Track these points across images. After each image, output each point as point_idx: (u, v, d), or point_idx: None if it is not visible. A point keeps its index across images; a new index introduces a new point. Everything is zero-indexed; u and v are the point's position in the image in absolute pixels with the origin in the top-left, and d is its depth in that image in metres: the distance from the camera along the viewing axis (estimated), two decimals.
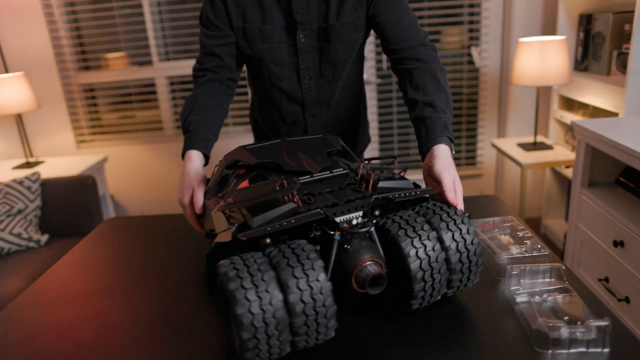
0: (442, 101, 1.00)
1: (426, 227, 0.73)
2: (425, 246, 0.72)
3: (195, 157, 1.03)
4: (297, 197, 0.75)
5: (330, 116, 1.28)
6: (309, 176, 0.83)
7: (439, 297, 0.77)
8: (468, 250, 0.74)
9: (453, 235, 0.73)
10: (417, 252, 0.71)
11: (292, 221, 0.70)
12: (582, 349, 0.68)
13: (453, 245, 0.73)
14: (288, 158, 0.87)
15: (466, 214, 0.77)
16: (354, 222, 0.74)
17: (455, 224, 0.74)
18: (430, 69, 1.06)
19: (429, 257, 0.72)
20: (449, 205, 0.79)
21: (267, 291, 0.63)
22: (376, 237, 0.75)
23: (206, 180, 0.98)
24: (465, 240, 0.74)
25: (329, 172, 0.84)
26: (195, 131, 1.06)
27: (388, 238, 0.74)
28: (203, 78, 1.17)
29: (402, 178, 0.83)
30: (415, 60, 1.09)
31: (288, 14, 1.12)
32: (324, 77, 1.21)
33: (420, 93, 1.02)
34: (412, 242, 0.72)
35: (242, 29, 1.15)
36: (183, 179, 0.98)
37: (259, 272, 0.64)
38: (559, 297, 0.78)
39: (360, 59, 1.28)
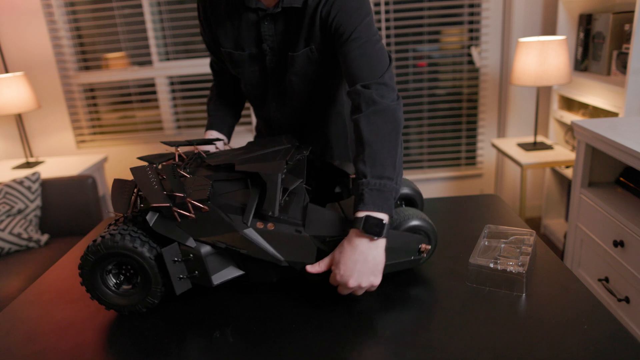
0: (371, 162, 0.85)
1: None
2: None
3: (214, 135, 1.23)
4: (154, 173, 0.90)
5: (302, 140, 1.27)
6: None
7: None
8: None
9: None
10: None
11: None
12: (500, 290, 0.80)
13: None
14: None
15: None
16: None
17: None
18: (370, 124, 0.89)
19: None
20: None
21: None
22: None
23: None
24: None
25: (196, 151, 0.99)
26: (214, 115, 1.27)
27: None
28: (217, 79, 1.32)
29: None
30: (364, 103, 0.92)
31: (258, 41, 1.11)
32: (285, 104, 1.20)
33: (357, 143, 0.89)
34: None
35: (218, 52, 1.18)
36: None
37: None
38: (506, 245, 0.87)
39: (332, 97, 1.21)
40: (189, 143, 1.02)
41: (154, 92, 2.95)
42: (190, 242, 0.81)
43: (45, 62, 2.82)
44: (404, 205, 1.04)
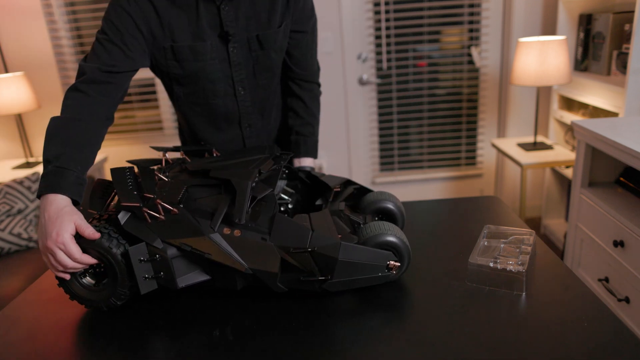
0: (317, 125, 1.35)
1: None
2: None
3: (63, 202, 0.84)
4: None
5: (264, 124, 1.29)
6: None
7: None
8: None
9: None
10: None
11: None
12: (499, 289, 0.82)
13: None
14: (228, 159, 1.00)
15: None
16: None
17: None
18: (316, 101, 1.35)
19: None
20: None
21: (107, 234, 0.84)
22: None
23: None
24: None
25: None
26: (69, 170, 0.88)
27: None
28: (89, 98, 0.99)
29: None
30: (308, 89, 1.33)
31: (219, 28, 1.10)
32: (259, 86, 1.21)
33: (307, 114, 1.32)
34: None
35: (171, 48, 1.09)
36: (53, 219, 0.81)
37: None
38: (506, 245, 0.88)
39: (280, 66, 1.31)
40: (177, 149, 1.04)
41: (154, 92, 2.95)
42: (158, 243, 0.82)
43: (45, 62, 2.82)
44: (384, 219, 1.03)
